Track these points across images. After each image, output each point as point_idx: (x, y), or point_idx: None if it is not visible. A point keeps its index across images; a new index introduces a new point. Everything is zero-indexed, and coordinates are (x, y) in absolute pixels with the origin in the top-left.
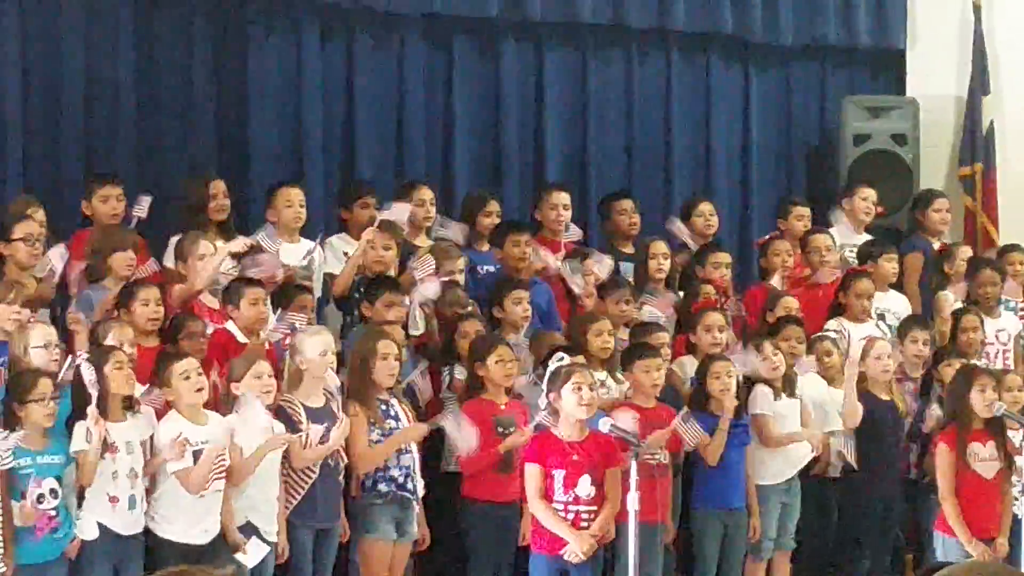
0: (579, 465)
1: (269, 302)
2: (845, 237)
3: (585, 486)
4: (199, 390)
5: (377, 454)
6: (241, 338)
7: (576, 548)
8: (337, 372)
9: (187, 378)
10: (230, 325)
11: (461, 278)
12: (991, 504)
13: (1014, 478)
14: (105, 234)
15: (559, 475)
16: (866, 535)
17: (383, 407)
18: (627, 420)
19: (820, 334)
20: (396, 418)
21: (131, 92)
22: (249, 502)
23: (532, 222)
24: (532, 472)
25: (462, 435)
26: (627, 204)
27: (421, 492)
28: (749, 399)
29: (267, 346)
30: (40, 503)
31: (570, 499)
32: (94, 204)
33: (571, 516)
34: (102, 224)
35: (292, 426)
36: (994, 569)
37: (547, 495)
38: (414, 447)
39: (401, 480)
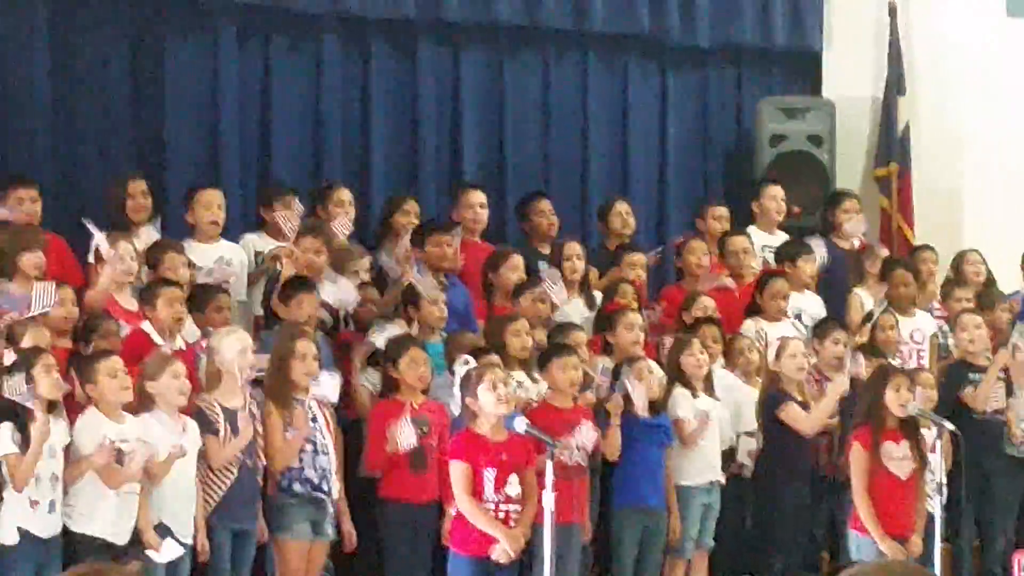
0: (508, 464)
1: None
2: (760, 238)
3: (514, 485)
4: (125, 388)
5: (292, 445)
6: (157, 339)
7: (507, 547)
8: None
9: (114, 376)
10: (146, 326)
11: (367, 277)
12: (905, 503)
13: (927, 476)
14: (14, 233)
15: (490, 474)
16: (779, 534)
17: (298, 407)
18: (588, 435)
19: (736, 334)
20: (314, 419)
21: (47, 94)
22: (162, 503)
23: (450, 223)
24: (459, 470)
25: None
26: (545, 205)
27: (336, 494)
28: (669, 401)
29: (184, 347)
30: None
31: (501, 498)
32: (9, 206)
33: (502, 515)
34: (12, 224)
35: (210, 427)
36: (903, 568)
37: (475, 494)
38: (331, 449)
39: (316, 481)
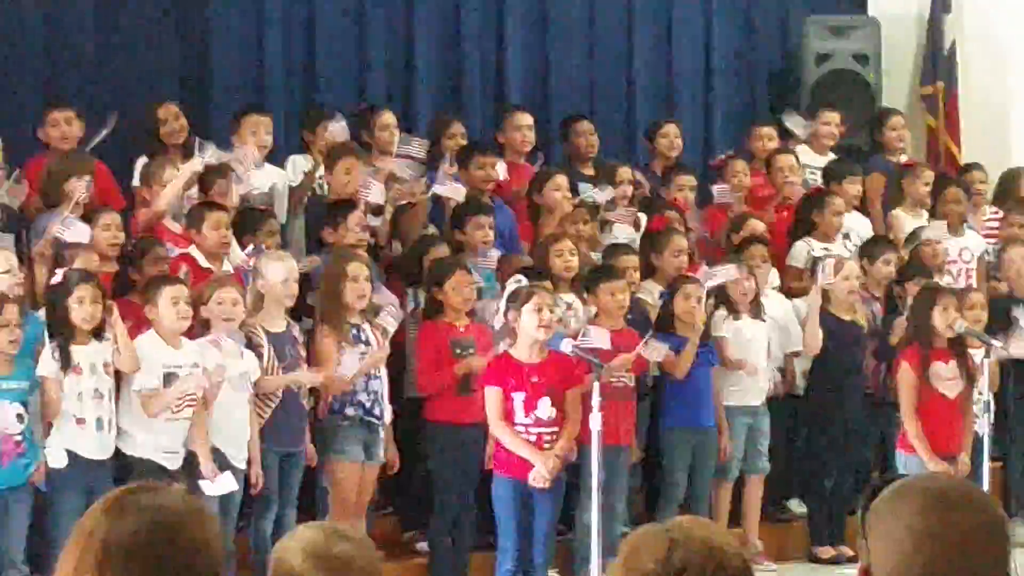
0: (538, 387)
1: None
2: (807, 158)
3: (545, 408)
4: (184, 317)
5: (343, 370)
6: (203, 263)
7: (541, 470)
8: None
9: (176, 304)
10: (193, 250)
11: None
12: (953, 422)
13: (975, 396)
14: (60, 159)
15: (519, 397)
16: (828, 455)
17: (353, 331)
18: (602, 337)
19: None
20: (367, 342)
21: (91, 22)
22: (216, 428)
23: (495, 145)
24: (492, 395)
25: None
26: (586, 126)
27: (388, 418)
28: (711, 323)
29: (231, 271)
30: (5, 429)
31: (531, 421)
32: (47, 130)
33: (533, 438)
34: (56, 149)
35: (254, 350)
36: (949, 481)
37: (508, 418)
38: (383, 372)
39: (368, 405)
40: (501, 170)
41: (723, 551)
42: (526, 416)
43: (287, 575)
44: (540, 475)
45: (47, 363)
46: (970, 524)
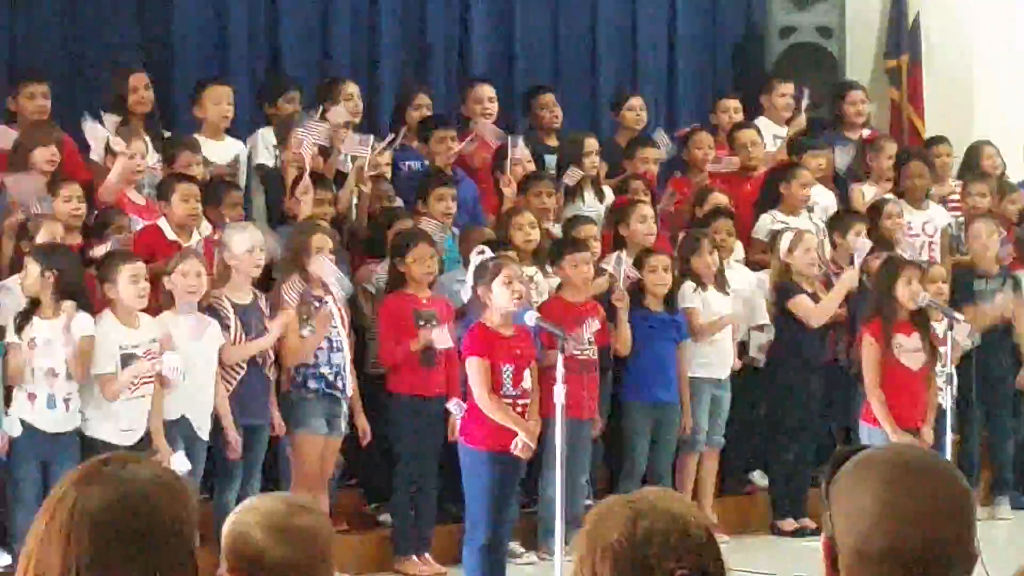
0: (523, 359)
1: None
2: (775, 128)
3: (528, 379)
4: (142, 296)
5: (307, 345)
6: (171, 235)
7: (528, 440)
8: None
9: (135, 282)
10: (161, 222)
11: (388, 172)
12: (916, 395)
13: (938, 368)
14: (28, 129)
15: (508, 369)
16: (790, 425)
17: (316, 302)
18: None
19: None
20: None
21: None
22: (184, 397)
23: (458, 118)
24: (480, 366)
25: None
26: (548, 98)
27: (351, 391)
28: (678, 295)
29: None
30: None
31: (518, 393)
32: (20, 102)
33: (519, 410)
34: (25, 120)
35: (220, 322)
36: (912, 450)
37: (494, 389)
38: (345, 346)
39: (331, 378)
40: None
41: (687, 520)
42: (514, 388)
43: (249, 550)
44: (526, 444)
45: (11, 333)
46: (935, 495)
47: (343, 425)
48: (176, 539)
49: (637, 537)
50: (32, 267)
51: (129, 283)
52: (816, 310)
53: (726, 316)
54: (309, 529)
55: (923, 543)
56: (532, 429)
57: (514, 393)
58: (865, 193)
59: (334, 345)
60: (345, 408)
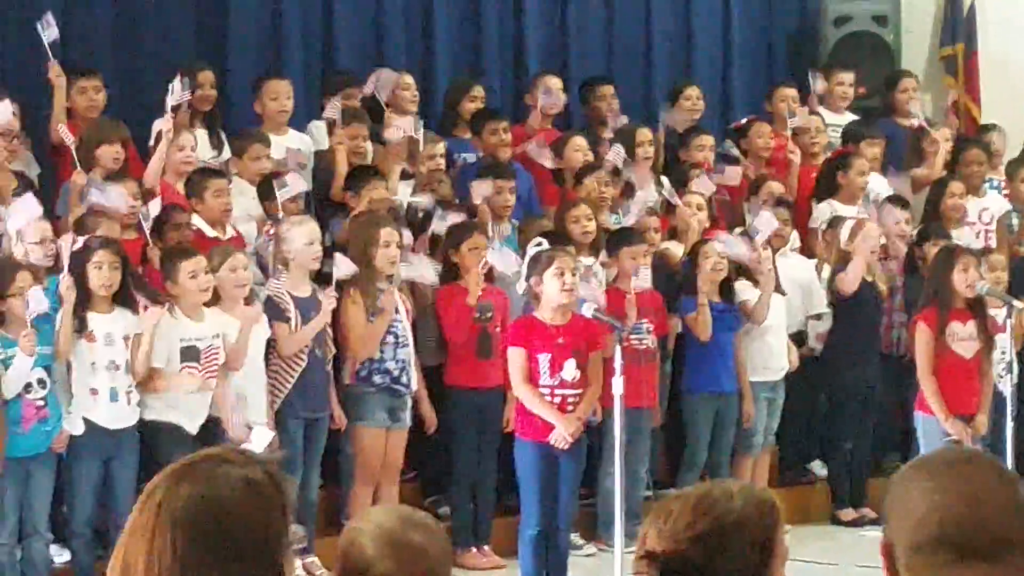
0: (564, 348)
1: (256, 193)
2: (829, 118)
3: (570, 369)
4: (204, 290)
5: (371, 336)
6: (208, 232)
7: (563, 432)
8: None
9: (194, 277)
10: (196, 219)
11: (442, 163)
12: (970, 383)
13: (995, 355)
14: (92, 126)
15: (544, 359)
16: (849, 417)
17: (387, 285)
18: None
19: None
20: (395, 309)
21: None
22: (235, 393)
23: (519, 106)
24: (516, 356)
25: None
26: (607, 89)
27: (415, 386)
28: (735, 288)
29: (235, 236)
30: (28, 393)
31: (556, 383)
32: (73, 97)
33: (557, 400)
34: (83, 117)
35: (280, 315)
36: (959, 450)
37: (532, 379)
38: (410, 341)
39: (396, 373)
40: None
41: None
42: (551, 378)
43: (357, 559)
44: (561, 436)
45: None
46: (979, 484)
47: (407, 417)
48: (260, 546)
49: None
50: (102, 258)
51: (189, 278)
52: (847, 279)
53: (770, 274)
54: (419, 546)
55: (973, 528)
56: (570, 420)
57: (551, 383)
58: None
59: (399, 340)
60: (409, 401)
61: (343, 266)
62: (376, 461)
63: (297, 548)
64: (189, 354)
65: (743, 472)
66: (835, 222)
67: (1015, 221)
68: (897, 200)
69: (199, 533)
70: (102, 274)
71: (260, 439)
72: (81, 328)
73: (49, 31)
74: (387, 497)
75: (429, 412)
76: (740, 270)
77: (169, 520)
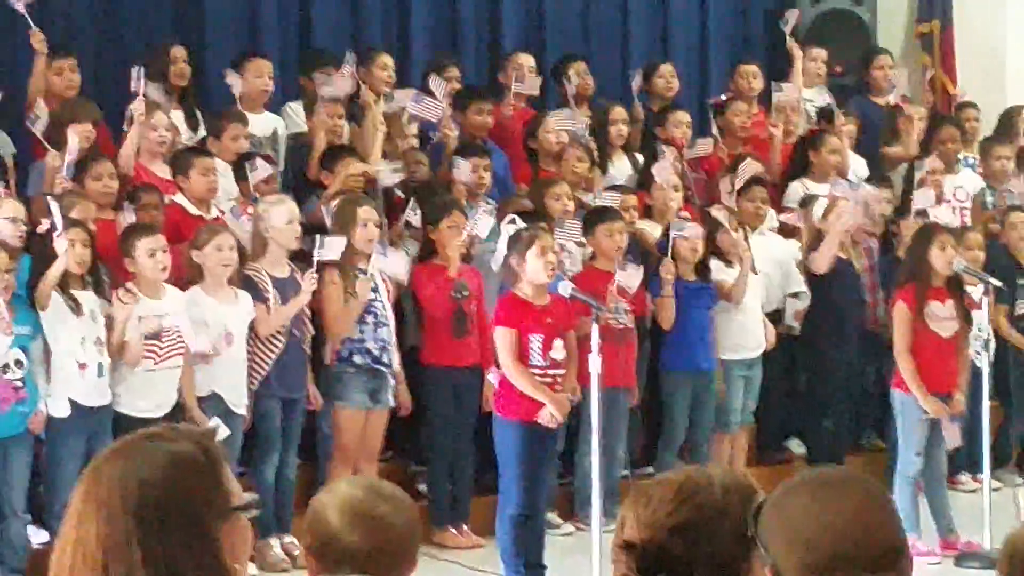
0: (553, 328)
1: (231, 173)
2: (806, 93)
3: (559, 349)
4: (163, 268)
5: (347, 316)
6: (192, 210)
7: (555, 411)
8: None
9: (152, 255)
10: (179, 198)
11: (416, 142)
12: (948, 361)
13: (975, 333)
14: (64, 105)
15: (536, 339)
16: (827, 394)
17: (361, 276)
18: (634, 276)
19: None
20: (375, 288)
21: None
22: (216, 373)
23: (495, 85)
24: (508, 336)
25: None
26: (580, 66)
27: (396, 366)
28: (709, 267)
29: (219, 216)
30: (4, 373)
31: (548, 363)
32: (49, 77)
33: (548, 381)
34: (58, 96)
35: (258, 295)
36: (823, 470)
37: (523, 359)
38: (391, 320)
39: (377, 353)
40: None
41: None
42: (543, 358)
43: (323, 531)
44: (552, 416)
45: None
46: (859, 495)
47: (389, 398)
48: (187, 519)
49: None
50: (67, 242)
51: (147, 256)
52: (819, 257)
53: (746, 255)
54: (385, 518)
55: (865, 542)
56: (561, 400)
57: (543, 363)
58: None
59: (379, 320)
60: (391, 381)
61: (331, 248)
62: (355, 441)
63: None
64: (151, 333)
65: (720, 450)
66: (806, 201)
67: (989, 199)
68: (881, 179)
69: (128, 508)
70: (75, 252)
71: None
72: (77, 307)
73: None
74: (366, 476)
75: (405, 395)
76: (715, 249)
77: (125, 501)
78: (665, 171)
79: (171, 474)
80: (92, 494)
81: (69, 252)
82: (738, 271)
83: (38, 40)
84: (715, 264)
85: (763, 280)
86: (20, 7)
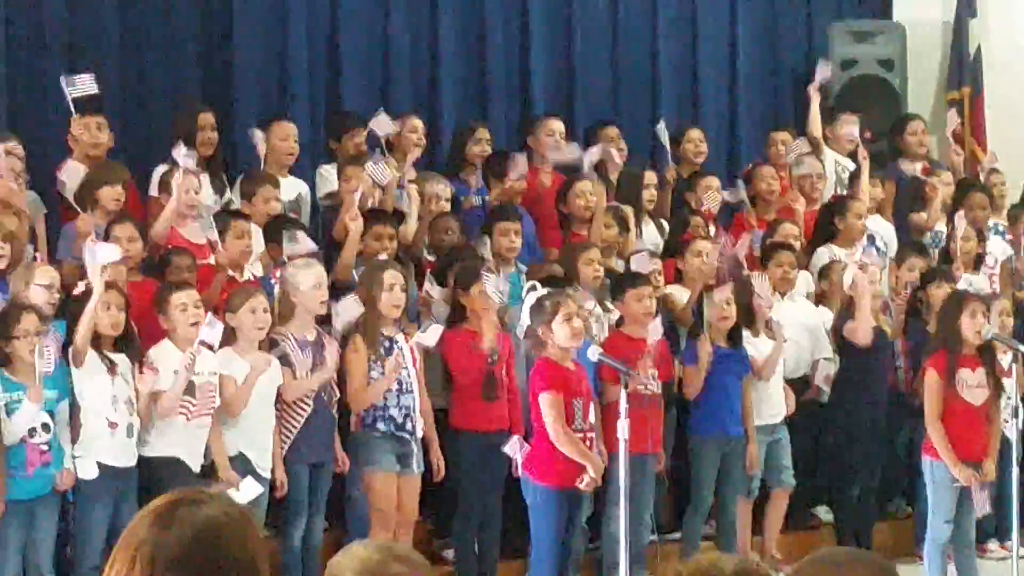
0: (589, 392)
1: (260, 235)
2: (840, 158)
3: (592, 413)
4: (194, 324)
5: (372, 392)
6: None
7: (594, 474)
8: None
9: (184, 310)
10: (212, 260)
11: (448, 206)
12: (979, 428)
13: (1003, 400)
14: (96, 167)
15: (578, 403)
16: (855, 459)
17: (386, 343)
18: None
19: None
20: (401, 356)
21: (115, 22)
22: (243, 435)
23: (524, 150)
24: (554, 401)
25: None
26: (613, 132)
27: (421, 432)
28: (744, 334)
29: (252, 279)
30: (32, 437)
31: (587, 427)
32: (74, 133)
33: (587, 444)
34: (86, 156)
35: (284, 359)
36: (832, 548)
37: (567, 424)
38: (416, 387)
39: (400, 420)
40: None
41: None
42: (584, 422)
43: None
44: (592, 480)
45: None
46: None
47: (416, 463)
48: (249, 573)
49: None
50: (108, 299)
51: (179, 311)
52: (857, 329)
53: (779, 339)
54: None
55: None
56: (599, 463)
57: (584, 427)
58: (923, 220)
59: (404, 387)
60: (416, 448)
61: (347, 311)
62: (390, 505)
63: None
64: (185, 388)
65: (743, 517)
66: (824, 270)
67: (1017, 265)
68: (914, 247)
69: (198, 571)
70: (110, 314)
71: (248, 490)
72: (112, 368)
73: (74, 89)
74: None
75: (437, 458)
76: (748, 318)
77: (167, 564)
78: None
79: (233, 536)
80: (132, 564)
81: (103, 315)
82: (769, 346)
83: (78, 128)
84: (746, 333)
85: (792, 348)
86: (70, 94)
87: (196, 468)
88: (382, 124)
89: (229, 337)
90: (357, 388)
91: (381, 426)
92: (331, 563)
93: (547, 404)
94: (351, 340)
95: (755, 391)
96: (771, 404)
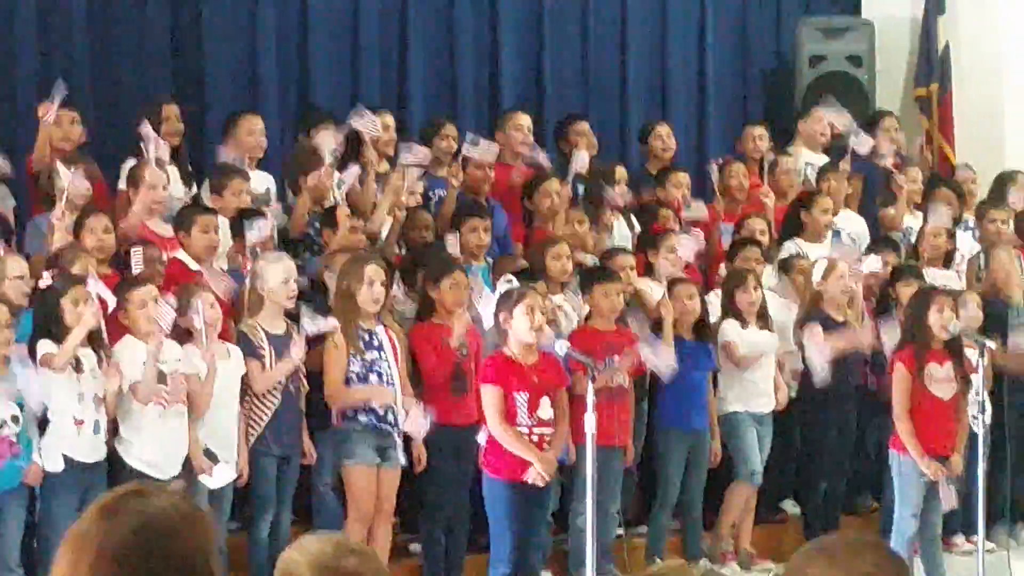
0: (540, 387)
1: (228, 228)
2: (809, 156)
3: (546, 408)
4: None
5: (348, 397)
6: (193, 266)
7: (541, 470)
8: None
9: (143, 306)
10: (180, 254)
11: (420, 200)
12: (947, 423)
13: (971, 396)
14: (64, 159)
15: (522, 398)
16: (823, 456)
17: (366, 336)
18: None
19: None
20: (379, 348)
21: (85, 20)
22: (205, 425)
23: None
24: (493, 394)
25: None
26: (583, 127)
27: (402, 424)
28: (719, 329)
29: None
30: (1, 430)
31: (534, 422)
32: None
33: (535, 439)
34: (56, 149)
35: (253, 352)
36: (858, 538)
37: (509, 418)
38: (397, 379)
39: (381, 412)
40: None
41: None
42: (529, 417)
43: None
44: (539, 474)
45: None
46: (875, 560)
47: (397, 456)
48: (199, 571)
49: None
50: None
51: (138, 308)
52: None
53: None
54: (354, 572)
55: None
56: (548, 458)
57: (529, 422)
58: (890, 215)
59: (384, 379)
60: (398, 440)
61: (311, 324)
62: (369, 499)
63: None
64: (157, 378)
65: (736, 502)
66: (785, 264)
67: (983, 261)
68: (885, 241)
69: (146, 564)
70: (79, 310)
71: (220, 475)
72: (77, 364)
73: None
74: (380, 537)
75: (420, 450)
76: (735, 310)
77: (114, 557)
78: (689, 251)
79: (183, 527)
80: (78, 554)
81: (70, 311)
82: (760, 337)
83: (43, 112)
84: (728, 324)
85: (773, 339)
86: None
87: (171, 472)
88: (367, 123)
89: (183, 336)
90: (334, 385)
91: (363, 419)
92: (282, 557)
93: (486, 397)
94: (330, 337)
95: (740, 382)
96: (759, 392)
